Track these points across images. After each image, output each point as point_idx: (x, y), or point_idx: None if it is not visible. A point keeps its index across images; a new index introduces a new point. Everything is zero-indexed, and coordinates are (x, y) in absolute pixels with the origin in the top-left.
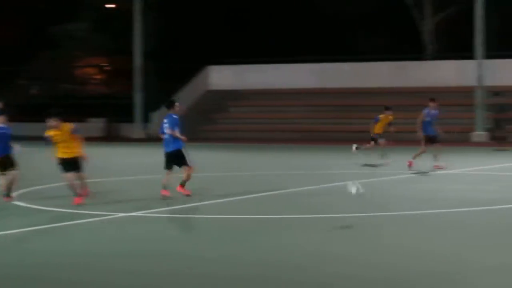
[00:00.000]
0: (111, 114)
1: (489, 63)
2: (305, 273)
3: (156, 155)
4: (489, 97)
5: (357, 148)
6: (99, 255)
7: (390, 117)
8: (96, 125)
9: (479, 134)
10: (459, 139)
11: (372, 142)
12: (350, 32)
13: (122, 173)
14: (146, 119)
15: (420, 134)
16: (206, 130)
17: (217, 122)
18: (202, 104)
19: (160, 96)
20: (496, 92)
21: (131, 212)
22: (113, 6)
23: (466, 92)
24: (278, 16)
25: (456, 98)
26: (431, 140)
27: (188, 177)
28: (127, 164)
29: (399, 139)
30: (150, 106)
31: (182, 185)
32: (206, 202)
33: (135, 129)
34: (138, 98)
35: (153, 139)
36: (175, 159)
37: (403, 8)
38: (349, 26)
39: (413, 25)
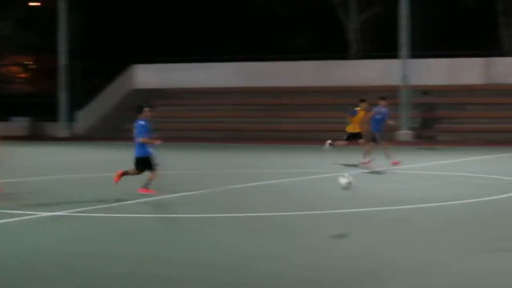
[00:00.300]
0: (36, 113)
1: (414, 62)
2: (235, 272)
3: (82, 154)
4: (415, 96)
5: (330, 144)
6: (17, 254)
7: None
8: (20, 124)
9: (405, 133)
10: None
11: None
12: (275, 31)
13: (44, 172)
14: (71, 118)
15: (367, 127)
16: (131, 129)
17: None
18: (127, 103)
19: (85, 95)
20: (425, 91)
21: (54, 211)
22: (37, 4)
23: (391, 91)
24: (204, 15)
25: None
26: (373, 138)
27: (150, 180)
28: (49, 163)
29: (322, 138)
30: (75, 105)
31: (145, 187)
32: (130, 202)
33: (60, 128)
34: (62, 97)
35: (78, 138)
36: (143, 164)
37: (328, 7)
38: (274, 25)
39: (338, 24)
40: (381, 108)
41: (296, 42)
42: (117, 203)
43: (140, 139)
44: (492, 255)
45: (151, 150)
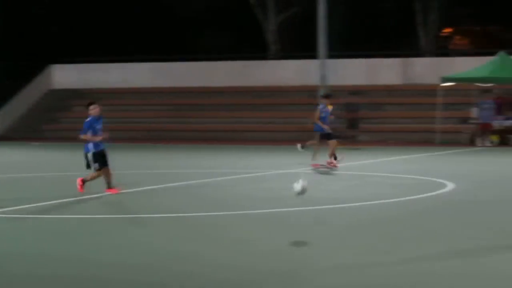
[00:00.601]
0: None
1: (332, 62)
2: (152, 272)
3: None
4: (334, 96)
5: (302, 147)
6: None
7: (329, 106)
8: None
9: None
10: (302, 138)
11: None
12: (193, 31)
13: None
14: None
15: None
16: (48, 130)
17: (60, 121)
18: (44, 103)
19: (1, 95)
20: (352, 91)
21: None
22: None
23: (309, 91)
24: (122, 15)
25: (300, 97)
26: (324, 136)
27: (92, 178)
28: None
29: (242, 138)
30: None
31: (83, 181)
32: (44, 203)
33: None
34: None
35: None
36: (99, 158)
37: (246, 8)
38: (192, 25)
39: (257, 24)
40: (325, 106)
41: (216, 42)
42: (37, 204)
43: (84, 136)
44: (407, 255)
45: (97, 147)
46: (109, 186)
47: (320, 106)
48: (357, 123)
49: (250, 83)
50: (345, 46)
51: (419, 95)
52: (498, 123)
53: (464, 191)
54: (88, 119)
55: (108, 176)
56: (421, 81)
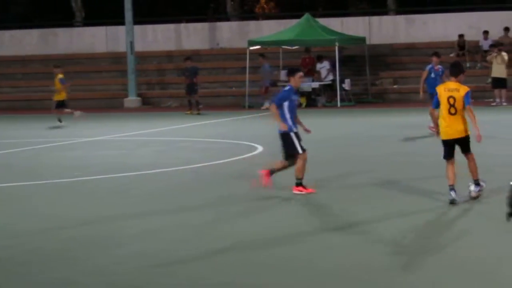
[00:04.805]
0: None
1: (139, 28)
2: None
3: None
4: (141, 62)
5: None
6: None
7: (60, 75)
8: None
9: (131, 100)
10: (110, 105)
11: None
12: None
13: None
14: None
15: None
16: None
17: None
18: None
19: None
20: (187, 56)
21: None
22: None
23: (117, 58)
24: None
25: (108, 64)
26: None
27: None
28: None
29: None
30: None
31: None
32: None
33: None
34: None
35: None
36: None
37: None
38: None
39: None
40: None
41: (19, 10)
42: None
43: None
44: (218, 216)
45: None
46: None
47: (428, 67)
48: (160, 88)
49: (57, 51)
50: (153, 12)
51: (227, 59)
52: (306, 85)
53: (271, 153)
54: None
55: None
56: (228, 45)
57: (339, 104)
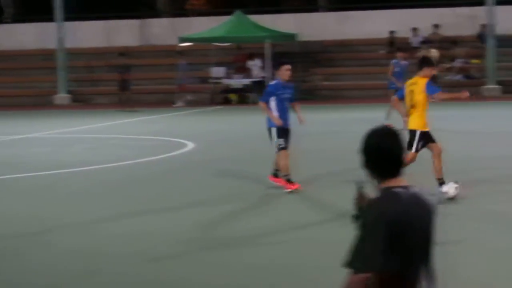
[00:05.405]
0: None
1: (69, 25)
2: None
3: None
4: (72, 59)
5: None
6: None
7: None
8: None
9: (62, 97)
10: (40, 103)
11: None
12: None
13: None
14: None
15: None
16: None
17: None
18: None
19: None
20: (121, 52)
21: None
22: None
23: (46, 55)
24: None
25: (37, 61)
26: None
27: None
28: None
29: None
30: None
31: None
32: None
33: None
34: None
35: None
36: None
37: None
38: None
39: None
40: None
41: None
42: None
43: None
44: (145, 216)
45: None
46: None
47: (393, 61)
48: (87, 85)
49: None
50: (82, 8)
51: (157, 56)
52: (237, 82)
53: (202, 150)
54: None
55: None
56: (158, 42)
57: None
